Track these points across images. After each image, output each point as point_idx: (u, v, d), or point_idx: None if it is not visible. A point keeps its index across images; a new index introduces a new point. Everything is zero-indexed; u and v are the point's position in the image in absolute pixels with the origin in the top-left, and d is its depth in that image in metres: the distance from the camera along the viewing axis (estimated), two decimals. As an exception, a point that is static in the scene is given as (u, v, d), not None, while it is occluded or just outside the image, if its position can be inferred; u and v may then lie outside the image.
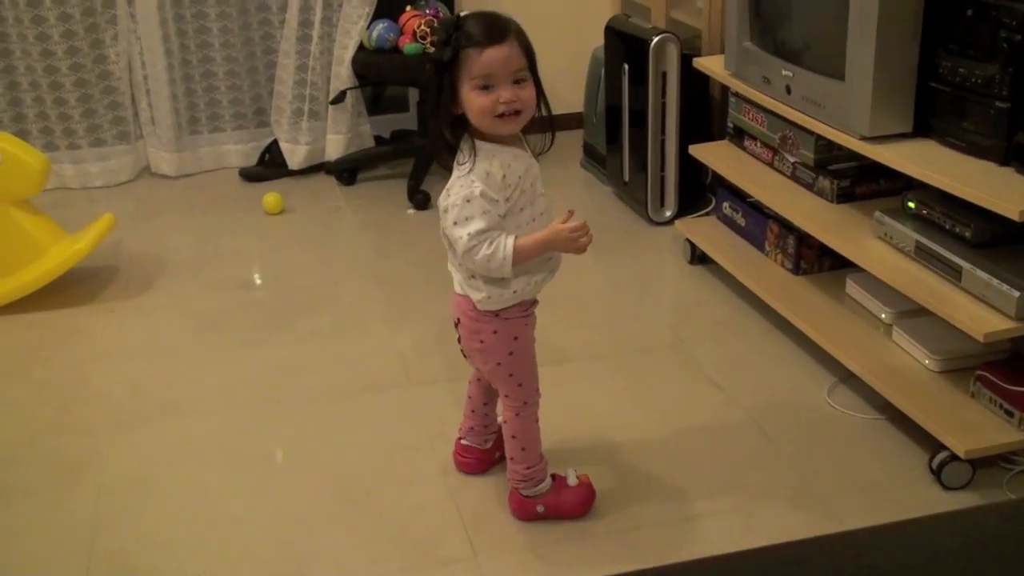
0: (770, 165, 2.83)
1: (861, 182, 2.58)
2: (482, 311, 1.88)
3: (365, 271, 3.19)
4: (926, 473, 2.13)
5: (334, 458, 2.27)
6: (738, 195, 2.97)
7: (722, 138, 3.11)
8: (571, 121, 3.93)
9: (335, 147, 3.91)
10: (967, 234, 2.15)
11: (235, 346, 2.76)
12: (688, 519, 2.05)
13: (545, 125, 1.83)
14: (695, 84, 3.25)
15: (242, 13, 3.87)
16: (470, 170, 1.78)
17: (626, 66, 3.32)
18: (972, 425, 2.10)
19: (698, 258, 3.08)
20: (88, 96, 3.80)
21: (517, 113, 1.77)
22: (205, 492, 2.18)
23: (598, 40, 3.55)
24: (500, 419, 2.13)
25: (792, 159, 2.72)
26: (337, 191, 3.83)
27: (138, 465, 2.27)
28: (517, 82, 1.75)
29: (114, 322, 2.91)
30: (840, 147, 2.43)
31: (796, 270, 2.75)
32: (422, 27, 3.53)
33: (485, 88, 1.74)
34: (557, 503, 2.03)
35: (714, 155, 3.01)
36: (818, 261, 2.74)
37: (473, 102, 1.75)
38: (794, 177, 2.73)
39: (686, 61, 3.16)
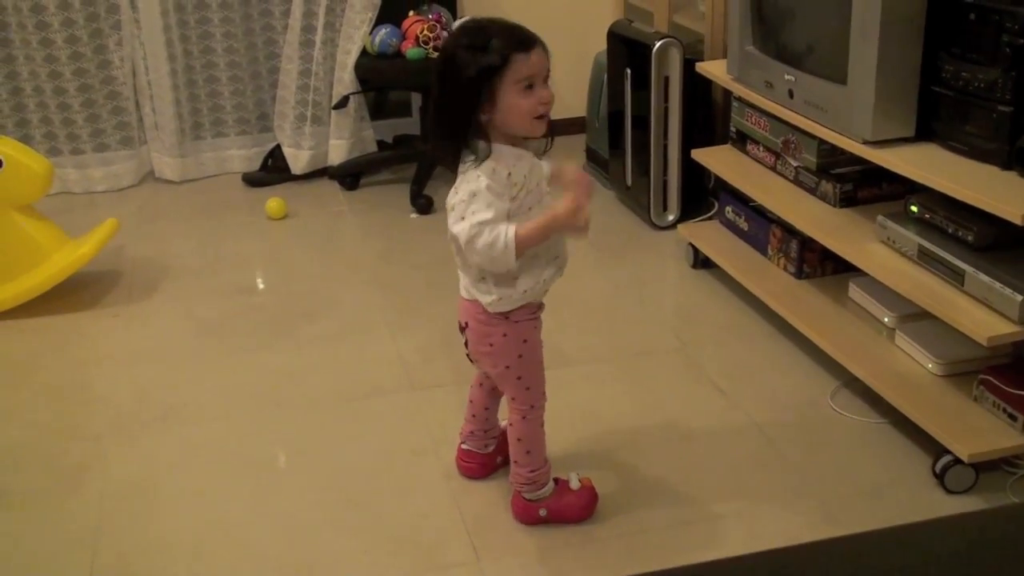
0: (773, 169, 2.83)
1: (863, 186, 2.58)
2: (492, 314, 1.88)
3: (368, 276, 3.19)
4: (929, 477, 2.13)
5: (337, 463, 2.27)
6: (741, 199, 2.97)
7: (724, 142, 3.11)
8: (573, 125, 3.94)
9: (338, 152, 3.91)
10: (970, 238, 2.15)
11: (238, 351, 2.76)
12: (691, 523, 2.05)
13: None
14: (697, 88, 3.25)
15: (245, 18, 3.88)
16: (477, 167, 1.79)
17: (629, 70, 3.32)
18: (975, 429, 2.10)
19: (701, 262, 3.08)
20: (92, 101, 3.81)
21: (547, 114, 1.81)
22: (208, 497, 2.18)
23: (601, 45, 3.55)
24: (503, 423, 2.14)
25: (795, 163, 2.72)
26: (340, 196, 3.83)
27: (141, 470, 2.27)
28: (544, 82, 1.80)
29: (117, 327, 2.91)
30: (843, 151, 2.43)
31: (799, 274, 2.75)
32: (424, 32, 3.53)
33: (528, 89, 1.77)
34: (560, 507, 2.03)
35: (717, 159, 3.02)
36: (821, 265, 2.74)
37: (519, 105, 1.76)
38: (797, 181, 2.73)
39: (688, 65, 3.17)
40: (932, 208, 2.25)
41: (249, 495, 2.18)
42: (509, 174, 1.79)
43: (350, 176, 3.89)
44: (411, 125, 4.22)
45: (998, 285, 2.03)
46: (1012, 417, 2.08)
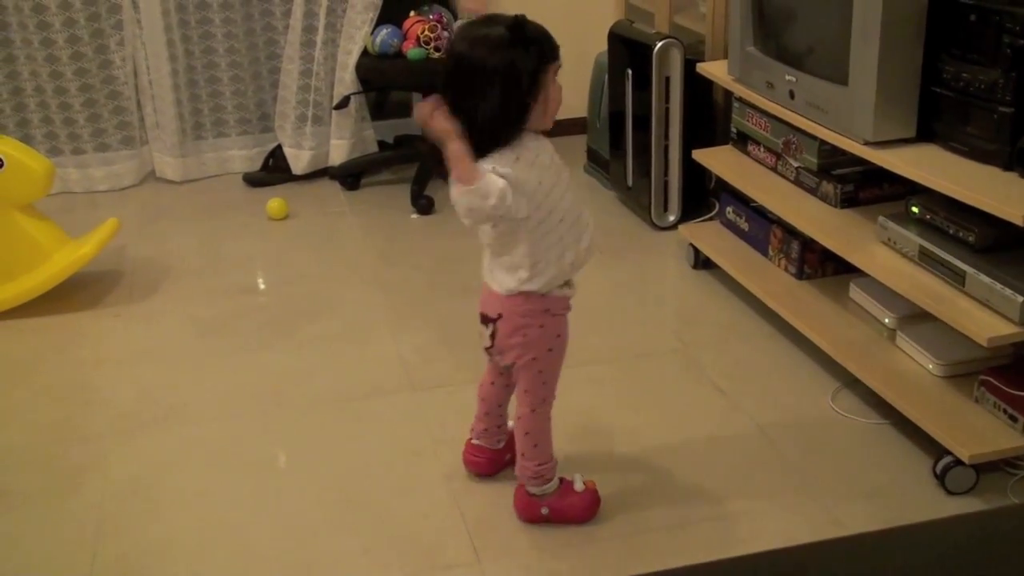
0: (773, 170, 2.83)
1: (864, 187, 2.58)
2: (531, 307, 1.90)
3: (369, 276, 3.19)
4: (930, 478, 2.13)
5: (337, 463, 2.27)
6: (741, 200, 2.97)
7: (725, 143, 3.11)
8: (574, 126, 3.94)
9: (339, 152, 3.92)
10: (971, 239, 2.15)
11: (239, 351, 2.77)
12: (692, 524, 2.05)
13: None
14: (698, 89, 3.25)
15: (246, 19, 3.88)
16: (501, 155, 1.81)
17: (629, 71, 3.33)
18: (976, 430, 2.10)
19: (701, 263, 3.08)
20: (93, 101, 3.81)
21: None
22: (209, 497, 2.18)
23: (602, 45, 3.55)
24: (511, 424, 2.15)
25: (795, 164, 2.72)
26: (341, 196, 3.83)
27: (142, 470, 2.27)
28: None
29: (118, 327, 2.91)
30: (844, 152, 2.43)
31: (799, 275, 2.75)
32: (425, 32, 3.53)
33: (554, 80, 1.82)
34: (562, 506, 2.04)
35: (717, 160, 3.02)
36: (821, 266, 2.74)
37: (556, 95, 1.82)
38: (797, 182, 2.73)
39: (689, 66, 3.16)
40: (933, 209, 2.25)
41: (250, 495, 2.18)
42: (537, 156, 1.83)
43: (351, 176, 3.89)
44: (412, 125, 4.22)
45: (999, 286, 2.03)
46: (1013, 418, 2.08)
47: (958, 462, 2.06)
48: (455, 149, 1.75)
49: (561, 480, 2.06)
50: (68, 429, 2.43)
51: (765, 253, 2.87)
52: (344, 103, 3.82)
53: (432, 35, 3.54)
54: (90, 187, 3.88)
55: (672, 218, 3.37)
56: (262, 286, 3.21)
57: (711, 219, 3.25)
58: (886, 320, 2.47)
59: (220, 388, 2.58)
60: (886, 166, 2.23)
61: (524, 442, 2.02)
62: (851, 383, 2.44)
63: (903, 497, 2.10)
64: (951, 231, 2.20)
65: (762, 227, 2.87)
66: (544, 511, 2.04)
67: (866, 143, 2.27)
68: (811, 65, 2.47)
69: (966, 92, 2.11)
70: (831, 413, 2.38)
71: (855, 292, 2.60)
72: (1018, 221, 1.91)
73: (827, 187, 2.61)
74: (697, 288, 3.03)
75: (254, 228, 3.56)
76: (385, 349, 2.74)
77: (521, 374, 1.99)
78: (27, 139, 3.73)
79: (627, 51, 3.34)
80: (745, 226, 2.96)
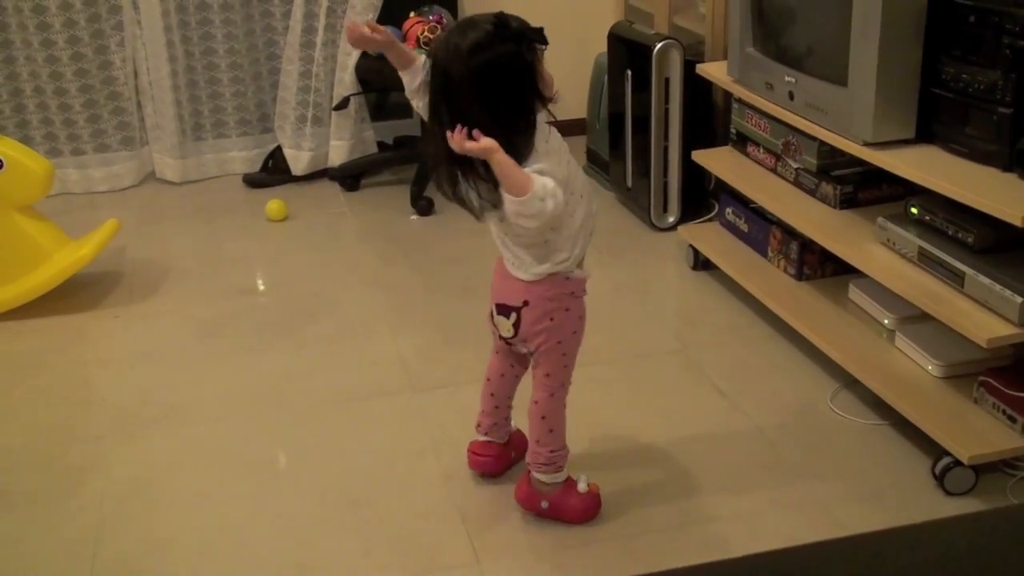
0: (773, 171, 2.84)
1: (864, 188, 2.58)
2: (559, 290, 1.94)
3: (368, 277, 3.20)
4: (929, 479, 2.13)
5: (337, 464, 2.27)
6: (741, 201, 2.97)
7: (725, 144, 3.11)
8: (574, 127, 3.93)
9: (338, 153, 3.92)
10: (970, 240, 2.15)
11: (239, 352, 2.77)
12: (691, 524, 2.05)
13: None
14: (698, 90, 3.25)
15: (246, 19, 3.89)
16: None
17: (629, 72, 3.33)
18: (975, 431, 2.10)
19: (701, 264, 3.08)
20: (93, 101, 3.81)
21: None
22: (209, 498, 2.18)
23: (601, 46, 3.55)
24: (513, 425, 2.18)
25: (795, 165, 2.72)
26: (340, 197, 3.83)
27: (142, 471, 2.28)
28: None
29: (118, 328, 2.91)
30: (843, 153, 2.43)
31: (799, 276, 2.75)
32: (425, 33, 3.53)
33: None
34: (561, 504, 2.04)
35: (717, 161, 3.02)
36: (821, 267, 2.74)
37: (548, 78, 1.83)
38: (797, 183, 2.73)
39: (689, 67, 3.17)
40: (932, 210, 2.25)
41: (250, 496, 2.18)
42: (547, 140, 1.86)
43: (351, 177, 3.89)
44: (412, 126, 4.22)
45: (998, 287, 2.03)
46: (1012, 419, 2.08)
47: (957, 463, 2.06)
48: (502, 160, 1.74)
49: (567, 477, 2.06)
50: (68, 429, 2.43)
51: (765, 254, 2.87)
52: (344, 104, 3.83)
53: (432, 36, 3.53)
54: (90, 188, 3.88)
55: (672, 219, 3.37)
56: (262, 287, 3.21)
57: (711, 220, 3.25)
58: (885, 321, 2.47)
59: (220, 388, 2.58)
60: (885, 167, 2.24)
61: (540, 427, 2.02)
62: (850, 384, 2.44)
63: (902, 497, 2.10)
64: (950, 232, 2.20)
65: (761, 228, 2.88)
66: (544, 504, 2.04)
67: (865, 144, 2.27)
68: (810, 66, 2.47)
69: (965, 93, 2.11)
70: (830, 414, 2.39)
71: (854, 293, 2.60)
72: (1017, 222, 1.91)
73: (826, 188, 2.61)
74: (697, 289, 3.03)
75: (254, 229, 3.56)
76: (385, 350, 2.74)
77: (543, 359, 1.99)
78: (27, 140, 3.73)
79: (627, 52, 3.35)
80: (744, 227, 2.97)
